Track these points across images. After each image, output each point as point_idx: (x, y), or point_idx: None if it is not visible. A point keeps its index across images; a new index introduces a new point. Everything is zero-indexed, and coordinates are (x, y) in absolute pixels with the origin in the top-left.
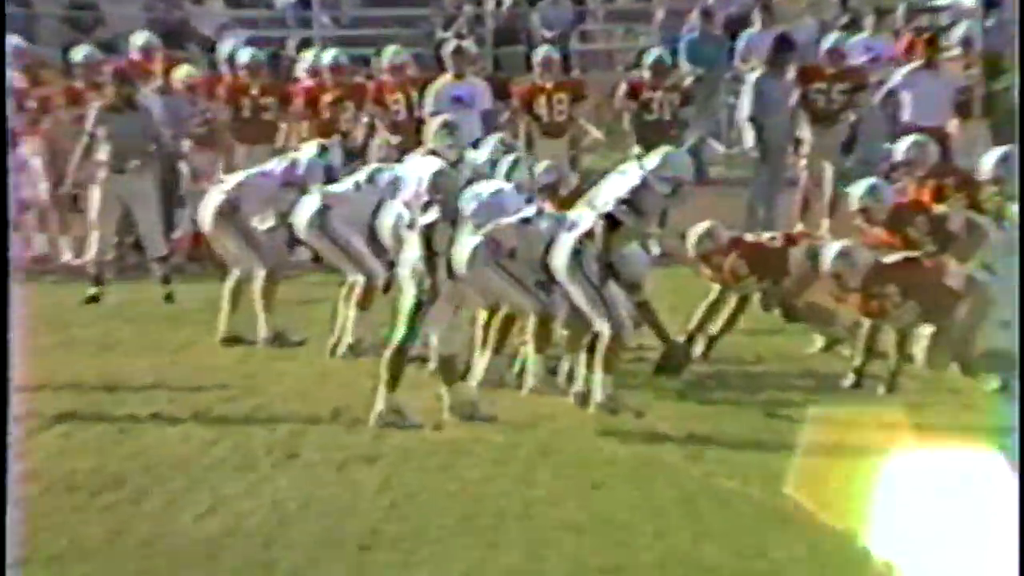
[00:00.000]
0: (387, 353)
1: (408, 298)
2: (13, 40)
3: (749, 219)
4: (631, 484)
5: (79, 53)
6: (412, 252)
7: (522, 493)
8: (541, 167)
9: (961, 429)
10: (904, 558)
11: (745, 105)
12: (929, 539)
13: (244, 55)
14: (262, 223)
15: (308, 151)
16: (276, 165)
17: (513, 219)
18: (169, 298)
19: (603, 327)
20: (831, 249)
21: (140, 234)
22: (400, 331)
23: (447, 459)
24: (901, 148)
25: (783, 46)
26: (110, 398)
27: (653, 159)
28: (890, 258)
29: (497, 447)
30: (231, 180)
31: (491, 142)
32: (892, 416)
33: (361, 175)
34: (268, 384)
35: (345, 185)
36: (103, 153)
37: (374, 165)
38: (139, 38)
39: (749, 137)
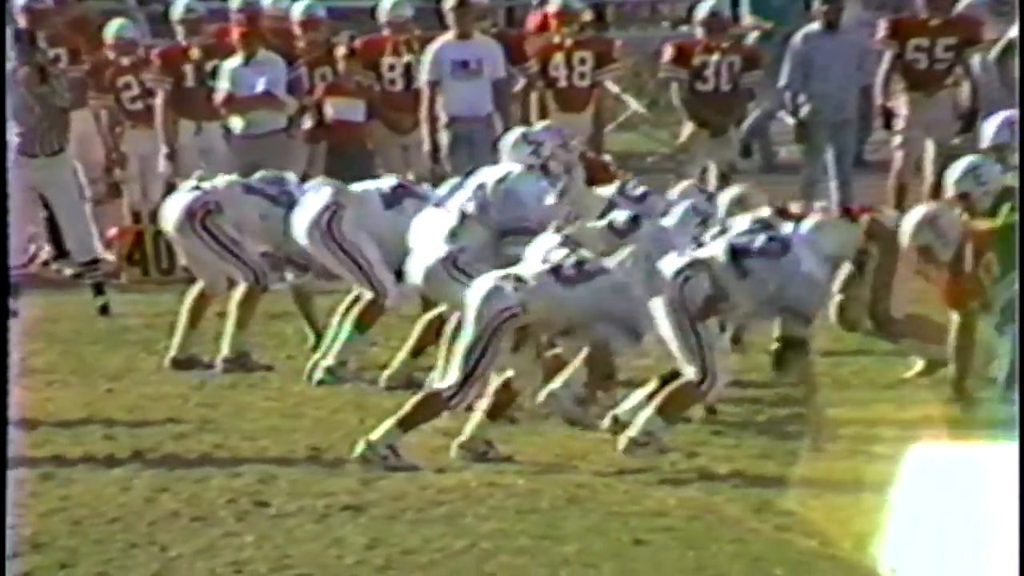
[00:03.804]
0: None
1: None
2: None
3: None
4: (681, 541)
5: None
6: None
7: (547, 552)
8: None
9: None
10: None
11: (783, 71)
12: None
13: (178, 6)
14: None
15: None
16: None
17: (601, 223)
18: (104, 311)
19: (689, 371)
20: (913, 214)
21: (63, 231)
22: None
23: (453, 509)
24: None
25: None
26: (29, 437)
27: (809, 223)
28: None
29: (516, 494)
30: (212, 182)
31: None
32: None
33: (385, 185)
34: (229, 418)
35: (366, 188)
36: (11, 132)
37: (399, 179)
38: None
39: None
